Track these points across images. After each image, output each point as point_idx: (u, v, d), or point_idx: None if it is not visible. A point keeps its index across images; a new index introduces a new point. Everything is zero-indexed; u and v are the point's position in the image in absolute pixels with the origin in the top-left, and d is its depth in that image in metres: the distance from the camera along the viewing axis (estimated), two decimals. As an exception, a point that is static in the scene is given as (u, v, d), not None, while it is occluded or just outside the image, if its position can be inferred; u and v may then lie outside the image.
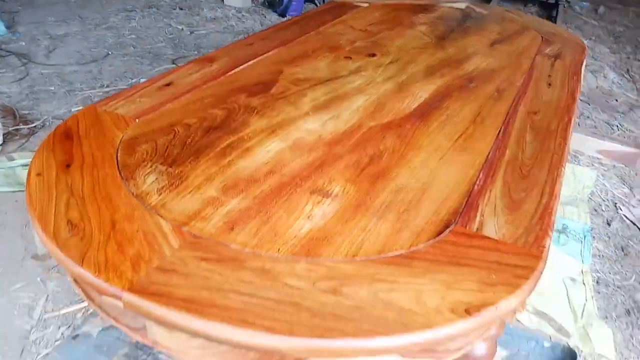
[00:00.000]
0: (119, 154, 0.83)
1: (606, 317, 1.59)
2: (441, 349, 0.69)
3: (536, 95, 1.18)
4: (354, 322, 0.56)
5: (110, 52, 3.01)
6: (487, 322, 0.60)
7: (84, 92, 2.55)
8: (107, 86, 2.61)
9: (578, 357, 1.42)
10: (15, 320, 1.43)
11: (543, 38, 1.61)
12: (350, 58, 1.30)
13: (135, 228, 0.67)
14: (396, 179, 0.83)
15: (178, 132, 0.91)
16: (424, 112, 1.05)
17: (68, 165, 0.78)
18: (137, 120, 0.93)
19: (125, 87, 2.60)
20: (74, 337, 1.40)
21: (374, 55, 1.33)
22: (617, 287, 1.71)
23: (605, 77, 3.31)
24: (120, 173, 0.78)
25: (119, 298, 0.58)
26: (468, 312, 0.59)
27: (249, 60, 1.22)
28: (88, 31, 3.30)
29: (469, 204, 0.78)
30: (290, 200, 0.76)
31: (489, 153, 0.92)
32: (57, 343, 1.38)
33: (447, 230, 0.72)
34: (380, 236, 0.70)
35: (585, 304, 1.65)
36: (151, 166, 0.81)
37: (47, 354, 1.34)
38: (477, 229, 0.73)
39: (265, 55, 1.27)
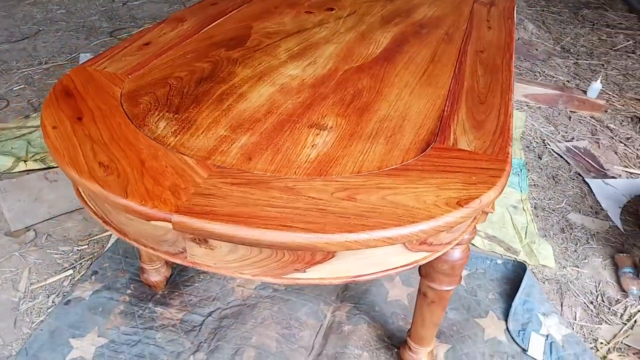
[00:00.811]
0: (124, 106, 0.88)
1: (545, 236, 1.81)
2: (435, 243, 0.82)
3: (480, 36, 1.32)
4: (373, 219, 0.68)
5: (41, 28, 2.87)
6: (474, 212, 0.74)
7: (23, 71, 2.44)
8: (46, 63, 2.51)
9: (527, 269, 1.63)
10: (1, 294, 1.43)
11: (477, -11, 1.76)
12: (312, 12, 1.38)
13: (164, 164, 0.74)
14: (378, 111, 0.94)
15: (172, 84, 0.97)
16: (389, 56, 1.17)
17: (80, 118, 0.83)
18: (129, 76, 0.98)
19: (65, 62, 2.51)
20: (66, 303, 1.42)
21: (332, 9, 1.42)
22: (552, 210, 1.93)
23: (525, 29, 3.56)
24: (131, 121, 0.84)
25: (169, 220, 0.66)
26: (459, 204, 0.73)
27: (218, 19, 1.27)
28: (11, 7, 3.11)
29: (442, 126, 0.91)
30: (293, 134, 0.85)
31: (450, 86, 1.05)
32: (49, 310, 1.39)
33: (429, 147, 0.85)
34: (376, 156, 0.82)
35: (527, 226, 1.87)
36: (158, 114, 0.87)
37: (41, 321, 1.36)
38: (453, 144, 0.86)
39: (231, 13, 1.32)
